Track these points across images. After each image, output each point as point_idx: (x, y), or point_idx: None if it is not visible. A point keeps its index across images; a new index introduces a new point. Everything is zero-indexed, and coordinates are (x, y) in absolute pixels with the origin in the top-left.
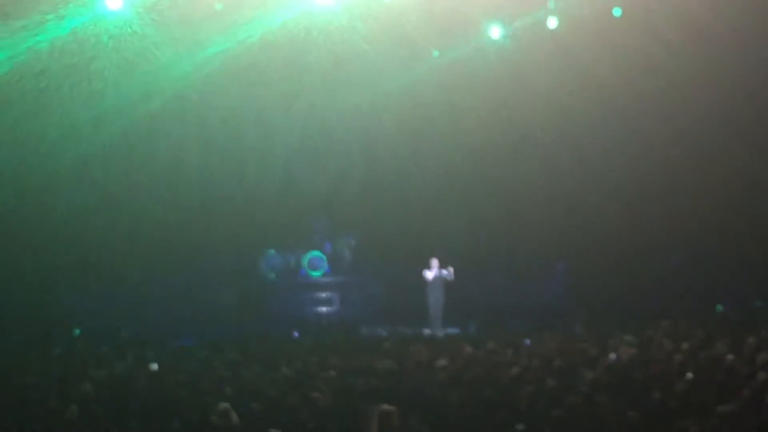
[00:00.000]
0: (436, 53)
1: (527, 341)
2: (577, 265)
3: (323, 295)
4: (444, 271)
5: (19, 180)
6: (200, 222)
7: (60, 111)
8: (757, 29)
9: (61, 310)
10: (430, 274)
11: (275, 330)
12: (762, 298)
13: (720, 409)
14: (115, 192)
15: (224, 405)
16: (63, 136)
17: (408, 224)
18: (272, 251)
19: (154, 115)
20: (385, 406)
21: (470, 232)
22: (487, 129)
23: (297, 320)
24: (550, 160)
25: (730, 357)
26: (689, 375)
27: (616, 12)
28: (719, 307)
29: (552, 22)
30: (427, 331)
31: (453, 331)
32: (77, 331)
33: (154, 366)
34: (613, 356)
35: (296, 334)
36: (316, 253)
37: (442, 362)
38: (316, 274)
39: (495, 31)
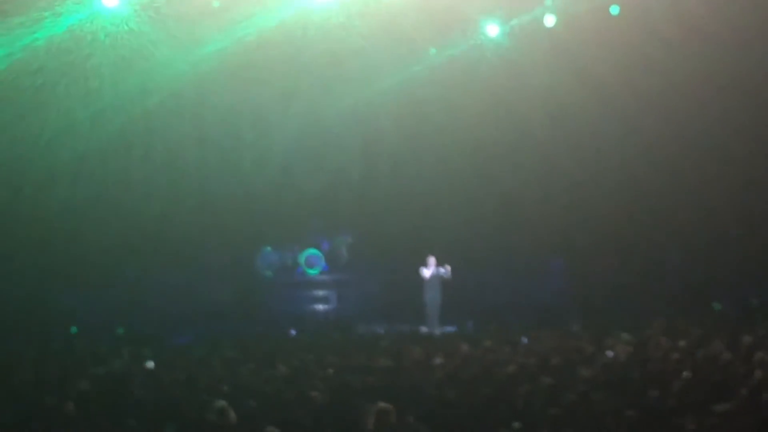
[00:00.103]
0: (433, 51)
1: (524, 339)
2: (575, 263)
3: (320, 293)
4: (441, 269)
5: (16, 177)
6: (197, 220)
7: (57, 108)
8: (755, 26)
9: (58, 308)
10: (427, 273)
11: (272, 328)
12: (759, 296)
13: (717, 408)
14: (112, 189)
15: (221, 403)
16: (60, 134)
17: (405, 222)
18: (269, 249)
19: (150, 112)
20: (382, 404)
21: (468, 230)
22: (484, 127)
23: (294, 318)
24: (548, 158)
25: (727, 355)
26: (686, 373)
27: (614, 10)
28: (716, 306)
29: (549, 20)
30: (424, 329)
31: (450, 329)
32: (74, 329)
33: (150, 364)
34: (610, 354)
35: (293, 331)
36: (313, 250)
37: (439, 360)
38: (313, 272)
39: (492, 29)
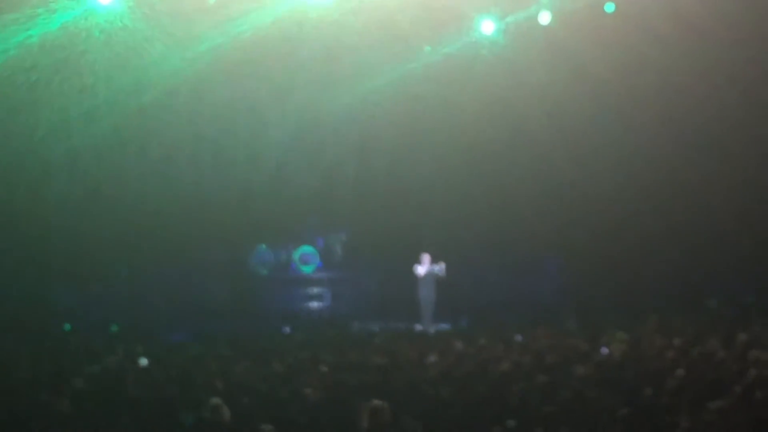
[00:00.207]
0: (429, 48)
1: (519, 337)
2: (570, 261)
3: (314, 290)
4: (435, 267)
5: (10, 174)
6: (192, 217)
7: (51, 105)
8: (751, 23)
9: (53, 305)
10: (421, 270)
11: (266, 325)
12: (754, 294)
13: (711, 406)
14: (107, 187)
15: (216, 400)
16: (54, 131)
17: (400, 220)
18: (264, 246)
19: (145, 110)
20: (377, 402)
21: (462, 228)
22: (480, 124)
23: (288, 315)
24: (544, 155)
25: (721, 353)
26: (681, 371)
27: (609, 8)
28: (711, 303)
29: (545, 18)
30: (418, 327)
31: (444, 326)
32: (68, 326)
33: (144, 361)
34: (604, 350)
35: (287, 329)
36: (307, 248)
37: (433, 358)
38: (307, 269)
39: (488, 26)
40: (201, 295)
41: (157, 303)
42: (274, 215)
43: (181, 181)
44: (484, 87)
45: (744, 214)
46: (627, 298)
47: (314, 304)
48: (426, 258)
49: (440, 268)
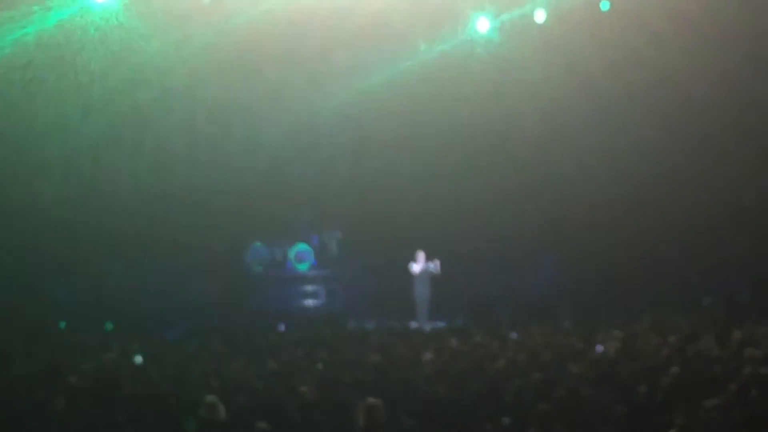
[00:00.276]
0: (423, 46)
1: (514, 334)
2: (565, 258)
3: (310, 288)
4: (431, 264)
5: (5, 171)
6: (186, 214)
7: (46, 103)
8: (748, 21)
9: (47, 302)
10: (416, 267)
11: (261, 323)
12: (749, 291)
13: (706, 403)
14: (102, 184)
15: (211, 398)
16: (49, 129)
17: (395, 217)
18: (259, 244)
19: (140, 107)
20: (372, 400)
21: (458, 225)
22: (475, 122)
23: (283, 313)
24: (539, 152)
25: (716, 351)
26: (675, 369)
27: (604, 6)
28: (706, 301)
29: (540, 15)
30: (413, 325)
31: (440, 324)
32: (62, 324)
33: (139, 359)
34: (599, 348)
35: (282, 327)
36: (302, 246)
37: (428, 356)
38: (302, 267)
39: (483, 24)
40: (196, 293)
41: (152, 300)
42: (269, 213)
43: (176, 179)
44: (479, 84)
45: (739, 211)
46: (622, 295)
47: (309, 302)
48: (421, 255)
49: (435, 265)
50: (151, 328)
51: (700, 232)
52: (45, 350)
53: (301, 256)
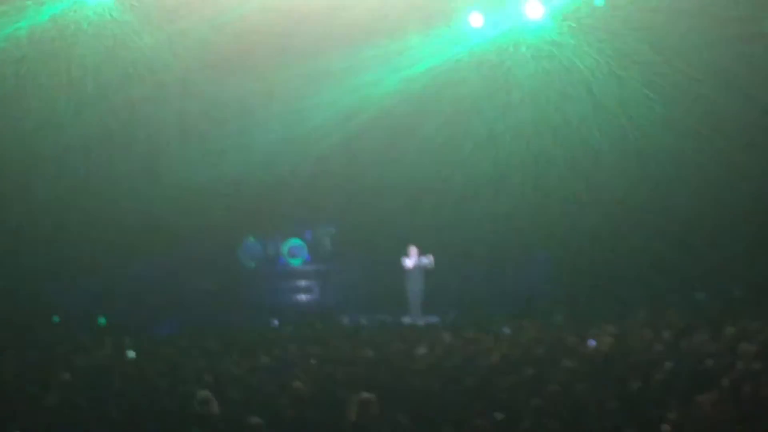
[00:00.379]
0: (418, 42)
1: (507, 330)
2: (558, 254)
3: (303, 283)
4: (424, 259)
5: None
6: (179, 210)
7: (39, 98)
8: (744, 18)
9: (40, 298)
10: (408, 263)
11: (255, 318)
12: (741, 287)
13: (700, 398)
14: (95, 179)
15: (204, 393)
16: (42, 123)
17: (389, 213)
18: (252, 239)
19: (133, 102)
20: (365, 395)
21: (451, 221)
22: (468, 117)
23: (277, 309)
24: (532, 148)
25: (709, 346)
26: (669, 364)
27: (599, 1)
28: (699, 296)
29: (534, 11)
30: (407, 320)
31: (433, 319)
32: (56, 319)
33: (132, 354)
34: (592, 342)
35: (276, 322)
36: (296, 241)
37: (421, 351)
38: (295, 262)
39: (477, 20)
40: (189, 288)
41: (146, 295)
42: (262, 208)
43: (169, 174)
44: (473, 80)
45: (733, 207)
46: (615, 290)
47: (303, 297)
48: (413, 250)
49: (429, 260)
50: (144, 324)
51: (693, 227)
52: (37, 346)
53: (294, 251)
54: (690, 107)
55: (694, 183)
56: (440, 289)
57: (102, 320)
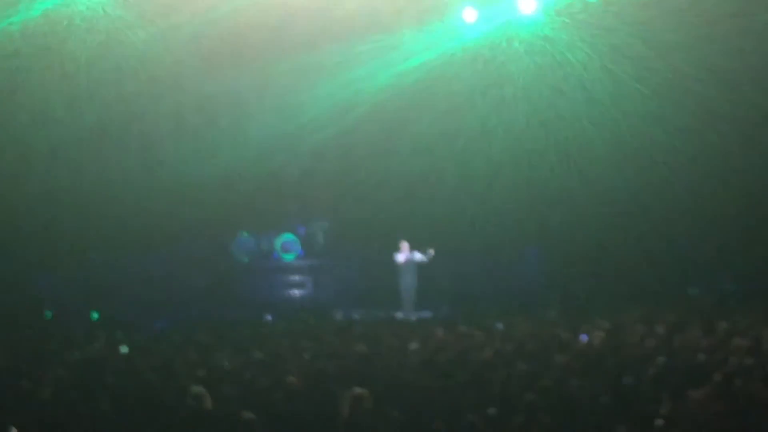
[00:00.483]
0: (412, 37)
1: (499, 325)
2: (551, 249)
3: (296, 278)
4: (416, 254)
5: None
6: (173, 205)
7: (32, 93)
8: (737, 14)
9: (34, 293)
10: (401, 258)
11: (248, 313)
12: (734, 282)
13: (692, 394)
14: (88, 174)
15: (197, 388)
16: (35, 119)
17: (382, 208)
18: (245, 234)
19: (126, 97)
20: (358, 390)
21: (444, 215)
22: (461, 113)
23: (270, 303)
24: (525, 144)
25: (702, 341)
26: (662, 359)
27: None
28: (692, 291)
29: (528, 6)
30: (400, 315)
31: (425, 314)
32: (49, 314)
33: (125, 349)
34: (584, 337)
35: (269, 317)
36: (289, 236)
37: (414, 346)
38: (289, 257)
39: (471, 15)
40: (183, 283)
41: (139, 290)
42: (256, 203)
43: (163, 169)
44: (467, 76)
45: (726, 202)
46: (608, 286)
47: (296, 292)
48: (404, 245)
49: (425, 255)
50: (137, 318)
51: (685, 223)
52: (30, 341)
53: (287, 246)
54: (682, 102)
55: (687, 178)
56: (433, 284)
57: (95, 315)
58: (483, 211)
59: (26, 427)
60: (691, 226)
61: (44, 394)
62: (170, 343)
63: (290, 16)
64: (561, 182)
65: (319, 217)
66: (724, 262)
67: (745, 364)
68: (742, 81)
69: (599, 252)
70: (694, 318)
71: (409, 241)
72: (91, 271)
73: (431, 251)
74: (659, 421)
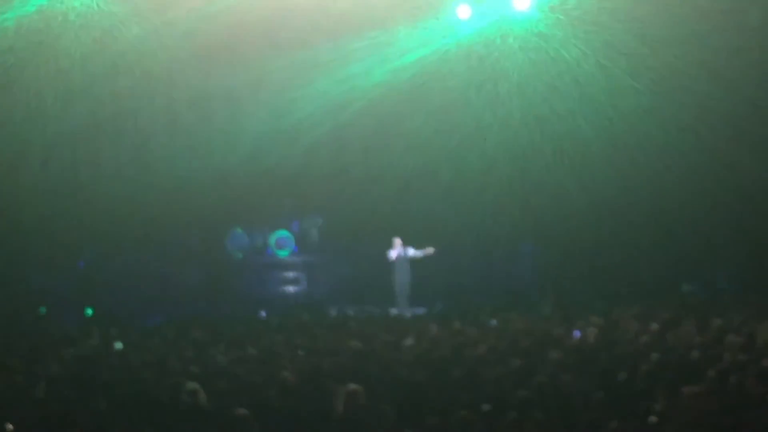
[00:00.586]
0: (406, 34)
1: (493, 321)
2: (545, 245)
3: (290, 274)
4: (410, 250)
5: None
6: (167, 201)
7: (26, 89)
8: (731, 10)
9: (27, 289)
10: (393, 254)
11: (242, 309)
12: (728, 279)
13: (686, 390)
14: (82, 171)
15: (191, 384)
16: (29, 115)
17: (376, 204)
18: (239, 230)
19: (121, 93)
20: (352, 386)
21: (438, 212)
22: (456, 109)
23: (264, 300)
24: (520, 140)
25: (696, 338)
26: (655, 355)
27: None
28: (686, 288)
29: (522, 3)
30: (394, 311)
31: (420, 310)
32: (43, 310)
33: (119, 345)
34: (577, 333)
35: (263, 313)
36: (283, 232)
37: (408, 342)
38: (283, 253)
39: (466, 12)
40: (177, 279)
41: (133, 287)
42: (250, 199)
43: (157, 165)
44: (461, 72)
45: (720, 198)
46: (602, 282)
47: (290, 288)
48: (397, 242)
49: (414, 251)
50: (131, 315)
51: (679, 219)
52: (24, 337)
53: (281, 242)
54: (677, 99)
55: (681, 175)
56: (427, 281)
57: (89, 311)
58: (477, 208)
59: (21, 423)
60: (685, 223)
61: (38, 391)
62: (164, 339)
63: (285, 12)
64: (555, 178)
65: (314, 214)
66: (717, 259)
67: (739, 361)
68: (735, 77)
69: (593, 248)
70: (687, 314)
71: (403, 237)
72: (85, 267)
73: (431, 249)
74: (653, 418)
